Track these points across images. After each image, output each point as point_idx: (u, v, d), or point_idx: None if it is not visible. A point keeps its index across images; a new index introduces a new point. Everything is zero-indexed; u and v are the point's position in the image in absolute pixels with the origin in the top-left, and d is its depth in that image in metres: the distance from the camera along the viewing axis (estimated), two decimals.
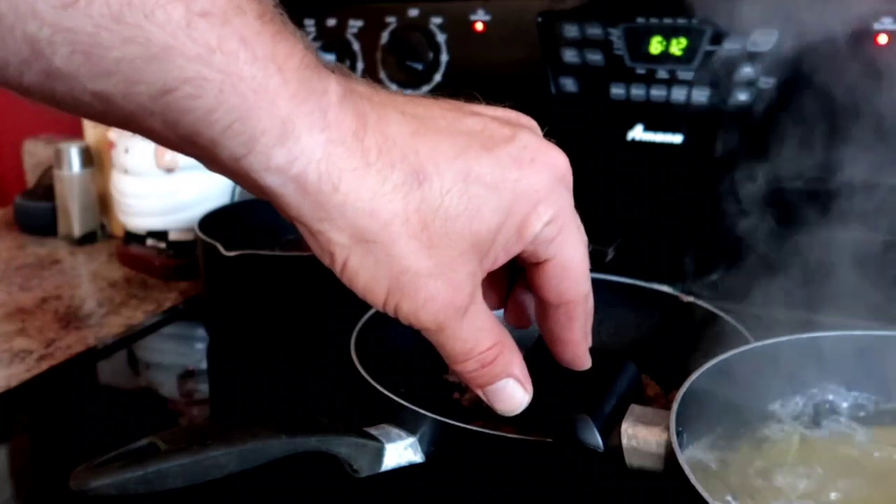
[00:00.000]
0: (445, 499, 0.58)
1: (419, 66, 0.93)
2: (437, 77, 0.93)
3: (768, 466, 0.48)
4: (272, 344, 0.78)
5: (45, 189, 1.20)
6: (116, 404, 0.77)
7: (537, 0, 0.86)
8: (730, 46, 0.77)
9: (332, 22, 0.98)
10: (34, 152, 1.37)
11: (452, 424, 0.54)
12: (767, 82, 0.76)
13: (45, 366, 0.80)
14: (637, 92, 0.82)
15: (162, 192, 1.00)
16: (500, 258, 0.43)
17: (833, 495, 0.46)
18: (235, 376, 0.80)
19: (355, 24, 0.97)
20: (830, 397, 0.53)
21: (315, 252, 0.41)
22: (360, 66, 0.97)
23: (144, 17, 0.32)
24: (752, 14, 0.75)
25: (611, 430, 0.48)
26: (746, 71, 0.77)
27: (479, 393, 0.46)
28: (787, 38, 0.75)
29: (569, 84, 0.86)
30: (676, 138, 0.81)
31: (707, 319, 0.68)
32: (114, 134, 1.03)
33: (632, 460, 0.48)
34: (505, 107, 0.46)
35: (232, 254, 0.75)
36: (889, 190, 0.70)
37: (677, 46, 0.80)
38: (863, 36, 0.72)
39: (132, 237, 1.06)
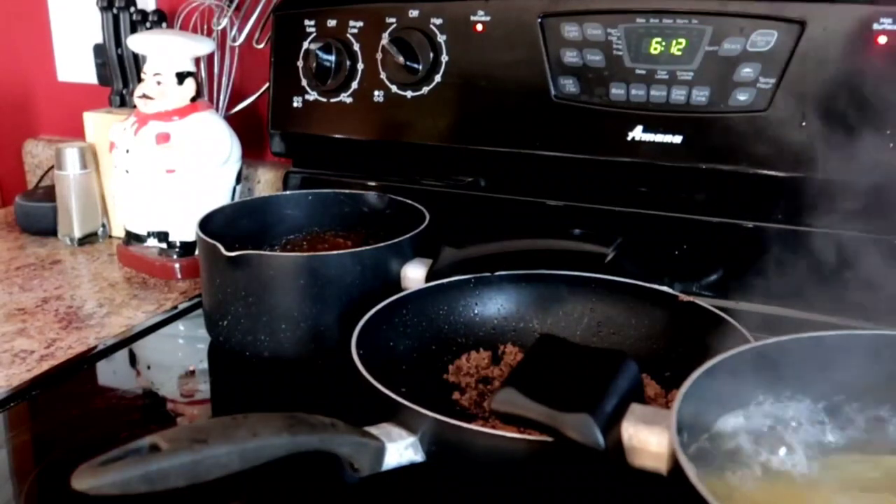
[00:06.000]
0: (445, 499, 0.58)
1: (419, 67, 0.93)
2: (437, 77, 0.93)
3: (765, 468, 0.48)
4: (272, 344, 0.78)
5: (46, 189, 1.20)
6: (116, 404, 0.77)
7: (537, 0, 0.86)
8: (730, 46, 0.78)
9: (332, 22, 0.98)
10: (34, 152, 1.37)
11: (452, 424, 0.54)
12: (767, 82, 0.77)
13: (45, 366, 0.80)
14: (637, 92, 0.82)
15: (162, 193, 1.01)
16: None
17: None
18: (235, 376, 0.80)
19: (355, 25, 0.97)
20: (831, 397, 0.53)
21: None
22: (360, 66, 0.97)
23: None
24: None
25: (611, 430, 0.48)
26: (746, 71, 0.77)
27: None
28: (786, 38, 0.75)
29: (569, 84, 0.86)
30: (676, 138, 0.81)
31: (707, 319, 0.68)
32: (114, 134, 1.03)
33: (633, 460, 0.48)
34: None
35: (232, 254, 0.75)
36: (889, 189, 0.70)
37: (677, 47, 0.80)
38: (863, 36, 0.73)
39: (132, 237, 1.06)
